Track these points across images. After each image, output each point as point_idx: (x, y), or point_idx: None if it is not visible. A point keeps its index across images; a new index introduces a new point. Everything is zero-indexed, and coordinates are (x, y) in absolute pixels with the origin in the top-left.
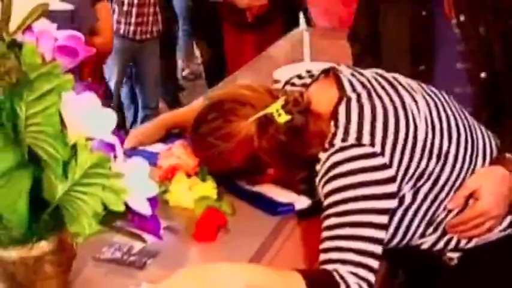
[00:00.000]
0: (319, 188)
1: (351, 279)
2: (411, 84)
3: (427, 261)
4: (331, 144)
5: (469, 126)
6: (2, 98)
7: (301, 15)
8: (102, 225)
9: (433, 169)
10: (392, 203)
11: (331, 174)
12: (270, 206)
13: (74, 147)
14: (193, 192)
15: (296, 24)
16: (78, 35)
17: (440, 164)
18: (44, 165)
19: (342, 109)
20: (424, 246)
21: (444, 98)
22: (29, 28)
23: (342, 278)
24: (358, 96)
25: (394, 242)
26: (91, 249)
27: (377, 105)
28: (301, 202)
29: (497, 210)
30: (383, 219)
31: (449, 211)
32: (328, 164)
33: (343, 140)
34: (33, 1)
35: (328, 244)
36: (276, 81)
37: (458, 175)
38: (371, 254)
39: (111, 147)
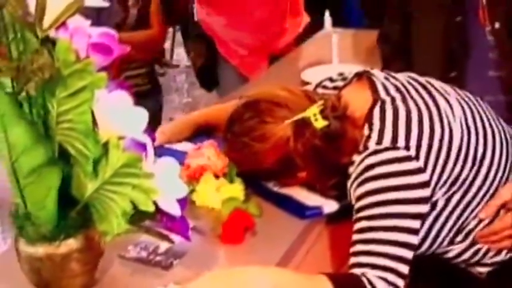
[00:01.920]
0: (351, 190)
1: (380, 285)
2: (445, 87)
3: (451, 273)
4: (366, 147)
5: (504, 133)
6: (34, 94)
7: (326, 15)
8: (130, 224)
9: (467, 175)
10: (424, 208)
11: (364, 176)
12: (298, 209)
13: (106, 145)
14: (220, 193)
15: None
16: (112, 32)
17: (474, 169)
18: (74, 162)
19: (376, 112)
20: (450, 255)
21: (479, 103)
22: (63, 25)
23: (370, 283)
24: (393, 99)
25: (423, 249)
26: (117, 248)
27: (412, 109)
28: (330, 206)
29: None
30: (415, 224)
31: (480, 220)
32: (361, 166)
33: (378, 142)
34: None
35: (358, 247)
36: (305, 83)
37: (492, 183)
38: (401, 259)
39: (143, 146)
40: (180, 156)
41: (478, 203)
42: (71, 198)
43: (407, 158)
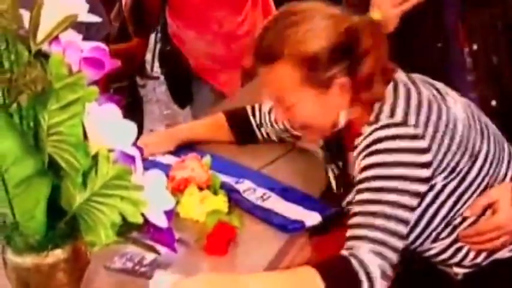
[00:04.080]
0: (358, 160)
1: (373, 261)
2: (446, 89)
3: (428, 273)
4: (377, 119)
5: (498, 135)
6: (25, 106)
7: None
8: (118, 235)
9: (464, 165)
10: (424, 188)
11: (372, 148)
12: (280, 223)
13: (95, 157)
14: (204, 205)
15: None
16: (103, 46)
17: (471, 161)
18: (64, 174)
19: (389, 88)
20: (432, 252)
21: (475, 107)
22: (56, 38)
23: (360, 262)
24: (405, 83)
25: (409, 240)
26: (103, 258)
27: (422, 91)
28: (312, 219)
29: None
30: (413, 201)
31: (465, 218)
32: (371, 138)
33: (390, 116)
34: (62, 12)
35: (356, 219)
36: None
37: (483, 178)
38: (397, 234)
39: (132, 158)
40: (164, 169)
41: (470, 197)
42: (59, 209)
43: (416, 136)
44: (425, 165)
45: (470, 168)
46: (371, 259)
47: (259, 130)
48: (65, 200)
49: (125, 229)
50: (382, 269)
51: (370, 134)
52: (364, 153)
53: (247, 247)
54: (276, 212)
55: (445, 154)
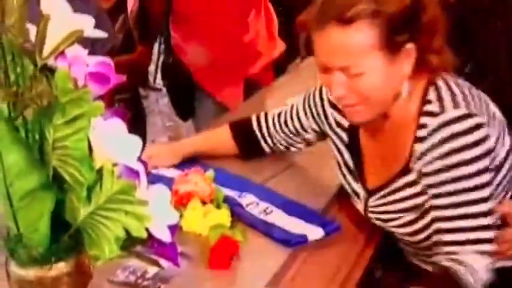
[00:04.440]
0: (427, 156)
1: (476, 262)
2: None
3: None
4: (442, 108)
5: None
6: (31, 120)
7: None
8: (122, 249)
9: (499, 162)
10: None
11: (449, 147)
12: (283, 237)
13: (100, 171)
14: (207, 219)
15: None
16: (108, 61)
17: (504, 157)
18: (68, 188)
19: (439, 81)
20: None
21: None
22: (62, 53)
23: (465, 267)
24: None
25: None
26: (105, 272)
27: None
28: (315, 233)
29: None
30: (489, 190)
31: None
32: (444, 134)
33: (455, 107)
34: (68, 27)
35: (446, 225)
36: None
37: (505, 187)
38: (491, 227)
39: (136, 173)
40: (168, 182)
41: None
42: (63, 222)
43: (482, 125)
44: (491, 151)
45: (500, 167)
46: (473, 260)
47: (264, 140)
48: (69, 213)
49: (129, 243)
50: (487, 267)
51: (440, 128)
52: (439, 152)
53: (250, 261)
54: (278, 226)
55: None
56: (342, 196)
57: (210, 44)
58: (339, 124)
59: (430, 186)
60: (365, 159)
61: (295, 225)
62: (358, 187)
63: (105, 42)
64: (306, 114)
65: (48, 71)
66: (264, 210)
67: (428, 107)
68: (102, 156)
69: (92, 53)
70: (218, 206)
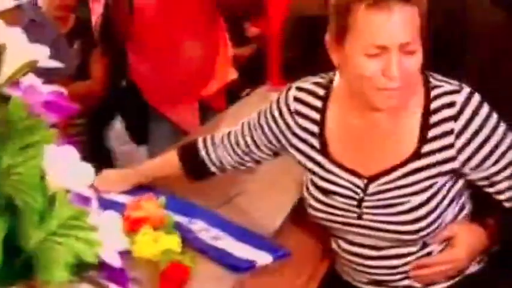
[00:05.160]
0: (467, 133)
1: None
2: None
3: None
4: (458, 85)
5: None
6: None
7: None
8: (73, 275)
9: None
10: None
11: (480, 117)
12: (232, 263)
13: (52, 197)
14: (158, 245)
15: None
16: (62, 90)
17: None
18: (20, 213)
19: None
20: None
21: None
22: (16, 82)
23: None
24: None
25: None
26: None
27: None
28: (263, 258)
29: (465, 262)
30: None
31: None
32: (473, 105)
33: (460, 84)
34: (24, 56)
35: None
36: None
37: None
38: None
39: (87, 200)
40: (120, 208)
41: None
42: (15, 247)
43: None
44: None
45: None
46: None
47: (211, 160)
48: (21, 239)
49: (80, 268)
50: None
51: (467, 101)
52: (477, 123)
53: (199, 286)
54: (228, 251)
55: None
56: (296, 218)
57: (165, 64)
58: (306, 130)
59: (474, 158)
60: (346, 150)
61: (244, 251)
62: (352, 178)
63: (62, 69)
64: (262, 130)
65: (3, 99)
66: (214, 237)
67: (441, 89)
68: (54, 183)
69: (47, 80)
70: (169, 232)
